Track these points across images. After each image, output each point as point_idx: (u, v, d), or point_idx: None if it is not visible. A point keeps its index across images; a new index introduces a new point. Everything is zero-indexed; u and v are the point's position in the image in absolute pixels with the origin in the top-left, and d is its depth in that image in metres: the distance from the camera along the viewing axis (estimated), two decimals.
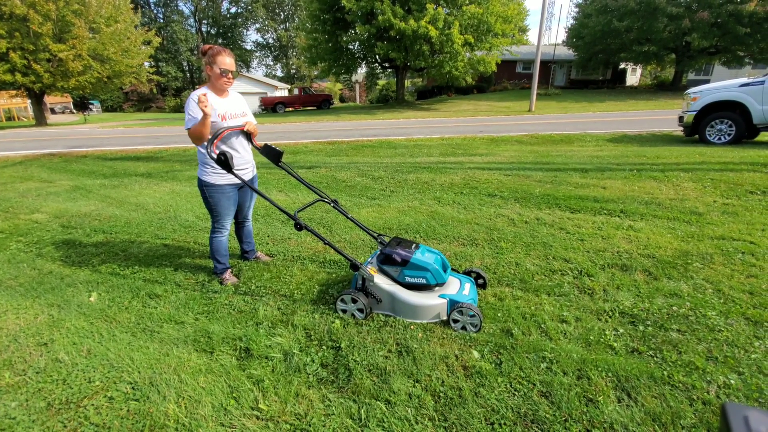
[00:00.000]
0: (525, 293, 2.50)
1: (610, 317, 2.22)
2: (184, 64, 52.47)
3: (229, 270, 2.89)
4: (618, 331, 2.08)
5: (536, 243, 3.25)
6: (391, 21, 18.29)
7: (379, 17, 18.55)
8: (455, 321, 2.14)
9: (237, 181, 2.62)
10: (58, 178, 6.93)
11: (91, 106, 37.06)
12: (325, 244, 2.36)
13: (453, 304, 2.17)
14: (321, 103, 28.63)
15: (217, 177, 2.58)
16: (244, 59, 54.81)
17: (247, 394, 1.75)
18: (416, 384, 1.77)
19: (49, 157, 9.39)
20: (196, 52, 53.74)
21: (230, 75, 2.46)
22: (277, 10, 55.69)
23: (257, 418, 1.63)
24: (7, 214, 4.81)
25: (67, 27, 18.70)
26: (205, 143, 2.45)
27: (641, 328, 2.11)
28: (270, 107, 27.59)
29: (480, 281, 2.56)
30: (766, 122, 7.41)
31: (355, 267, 2.30)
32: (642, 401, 1.62)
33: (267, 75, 57.64)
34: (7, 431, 1.63)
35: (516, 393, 1.69)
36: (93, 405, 1.72)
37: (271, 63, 60.42)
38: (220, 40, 54.22)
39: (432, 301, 2.20)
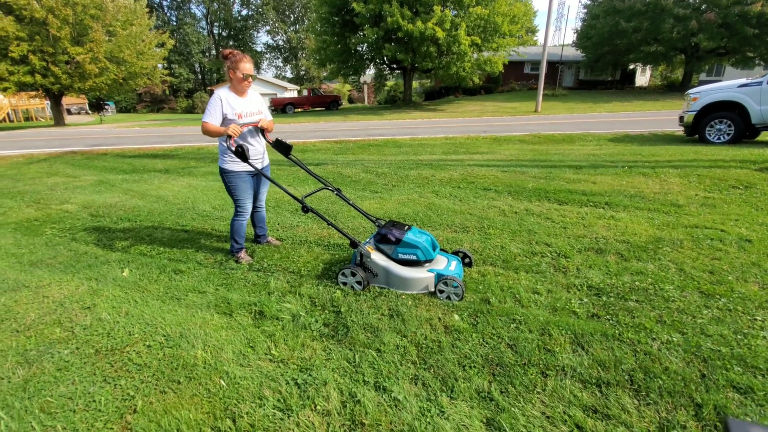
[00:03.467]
0: (506, 271, 2.80)
1: (579, 290, 2.51)
2: (196, 65, 53.43)
3: (244, 250, 3.24)
4: (582, 300, 2.38)
5: (522, 230, 3.54)
6: (399, 23, 18.63)
7: (388, 19, 18.90)
8: (441, 291, 2.46)
9: (252, 168, 2.97)
10: (81, 173, 7.39)
11: (106, 107, 38.04)
12: (328, 225, 2.70)
13: (440, 277, 2.48)
14: (329, 104, 29.09)
15: (234, 164, 2.94)
16: (254, 61, 55.59)
17: (261, 344, 2.09)
18: (403, 338, 2.09)
19: (72, 154, 9.90)
20: (207, 55, 54.68)
21: (250, 79, 2.83)
22: (287, 12, 56.42)
23: (270, 360, 1.97)
24: (39, 204, 5.24)
25: (84, 30, 19.41)
26: (225, 137, 2.80)
27: (604, 298, 2.40)
28: (280, 108, 28.11)
29: (466, 260, 2.87)
30: (764, 122, 7.56)
31: (354, 244, 2.63)
32: (592, 352, 1.92)
33: (276, 76, 58.34)
34: (63, 371, 1.98)
35: (486, 344, 2.00)
36: (134, 351, 2.07)
37: (281, 64, 61.28)
38: (231, 42, 55.11)
39: (421, 275, 2.52)
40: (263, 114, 3.04)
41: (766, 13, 18.92)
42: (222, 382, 1.82)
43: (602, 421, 1.53)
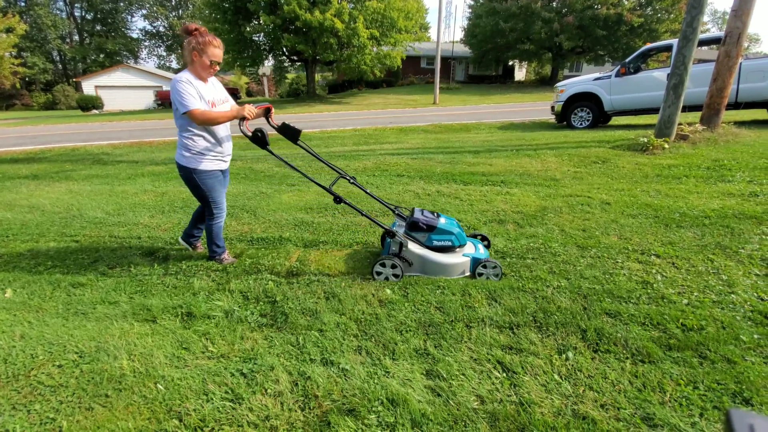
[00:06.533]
0: None
1: None
2: (54, 54, 45.37)
3: (227, 251, 2.99)
4: None
5: (436, 209, 3.88)
6: (297, 12, 18.19)
7: (284, 7, 18.31)
8: (480, 274, 2.55)
9: (223, 166, 2.76)
10: None
11: None
12: (362, 215, 2.66)
13: (476, 262, 2.58)
14: None
15: (208, 163, 2.62)
16: (130, 49, 49.09)
17: (196, 344, 2.02)
18: (342, 316, 2.21)
19: None
20: (68, 41, 46.77)
21: (217, 66, 2.55)
22: None
23: (209, 358, 1.92)
24: None
25: None
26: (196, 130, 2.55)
27: (508, 259, 2.81)
28: (168, 102, 25.43)
29: (485, 242, 2.98)
30: (614, 109, 9.21)
31: (391, 234, 2.59)
32: (504, 303, 2.26)
33: (160, 66, 52.48)
34: None
35: (418, 310, 2.22)
36: (44, 373, 1.84)
37: (164, 53, 55.15)
38: (98, 27, 47.84)
39: (458, 260, 2.57)
40: (231, 101, 2.78)
41: (611, 16, 22.73)
42: (159, 386, 1.73)
43: (517, 355, 1.85)
